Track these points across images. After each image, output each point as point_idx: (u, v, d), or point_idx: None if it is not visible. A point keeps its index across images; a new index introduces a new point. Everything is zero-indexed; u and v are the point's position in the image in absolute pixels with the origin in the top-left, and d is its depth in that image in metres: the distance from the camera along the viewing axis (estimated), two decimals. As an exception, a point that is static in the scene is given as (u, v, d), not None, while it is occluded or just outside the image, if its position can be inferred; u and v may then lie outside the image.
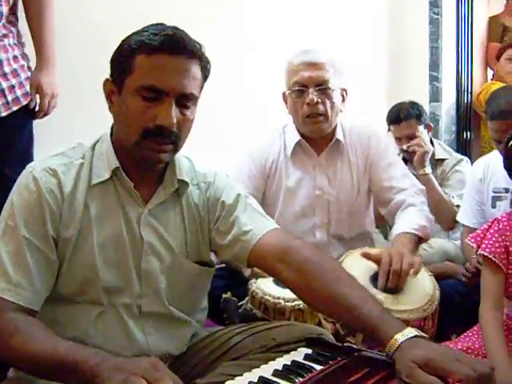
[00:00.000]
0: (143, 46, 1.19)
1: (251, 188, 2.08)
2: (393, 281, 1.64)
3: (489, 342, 1.49)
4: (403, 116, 2.76)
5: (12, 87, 1.92)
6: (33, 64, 2.03)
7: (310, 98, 2.01)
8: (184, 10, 2.77)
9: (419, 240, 1.93)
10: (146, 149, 1.22)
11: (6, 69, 1.91)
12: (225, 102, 2.91)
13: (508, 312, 1.59)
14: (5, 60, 1.91)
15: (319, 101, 2.02)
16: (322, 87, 2.03)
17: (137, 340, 1.28)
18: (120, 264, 1.27)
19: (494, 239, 1.59)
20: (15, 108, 1.94)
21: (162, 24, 1.24)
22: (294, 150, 2.14)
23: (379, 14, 3.93)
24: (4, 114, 1.91)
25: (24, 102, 1.97)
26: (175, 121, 1.20)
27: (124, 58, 1.22)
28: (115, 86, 1.25)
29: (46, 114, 2.06)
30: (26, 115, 2.00)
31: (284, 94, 2.15)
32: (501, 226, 1.60)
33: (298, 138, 2.13)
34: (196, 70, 1.24)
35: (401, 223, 1.98)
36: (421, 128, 2.78)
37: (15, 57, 1.96)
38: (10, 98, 1.92)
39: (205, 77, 1.28)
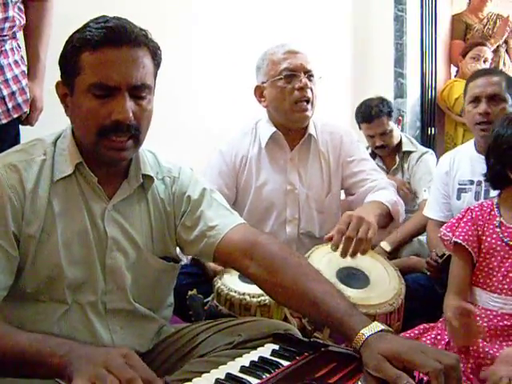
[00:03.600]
0: (86, 43, 1.16)
1: (222, 185, 2.07)
2: (346, 246, 1.62)
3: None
4: (375, 114, 2.78)
5: (13, 94, 1.88)
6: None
7: (304, 82, 2.00)
8: (154, 4, 2.73)
9: (389, 217, 1.94)
10: (105, 148, 1.19)
11: (8, 74, 1.87)
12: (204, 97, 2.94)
13: (474, 300, 1.62)
14: (6, 66, 1.86)
15: (309, 86, 2.02)
16: (310, 74, 2.03)
17: (102, 338, 1.26)
18: (85, 260, 1.24)
19: (467, 227, 1.62)
20: (16, 115, 1.91)
21: (103, 17, 1.20)
22: (267, 144, 2.12)
23: (344, 11, 3.96)
24: (4, 121, 1.87)
25: (25, 109, 1.93)
26: (131, 114, 1.17)
27: (70, 59, 1.19)
28: (67, 88, 1.22)
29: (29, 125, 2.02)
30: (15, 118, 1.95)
31: (259, 86, 2.11)
32: (473, 216, 1.64)
33: (273, 129, 2.11)
34: (144, 57, 1.20)
35: (370, 198, 1.99)
36: (391, 123, 2.82)
37: (16, 62, 1.91)
38: (10, 105, 1.88)
39: (156, 63, 1.25)
